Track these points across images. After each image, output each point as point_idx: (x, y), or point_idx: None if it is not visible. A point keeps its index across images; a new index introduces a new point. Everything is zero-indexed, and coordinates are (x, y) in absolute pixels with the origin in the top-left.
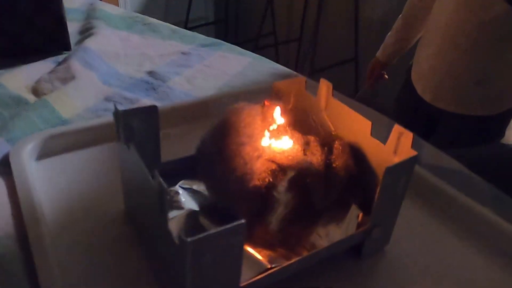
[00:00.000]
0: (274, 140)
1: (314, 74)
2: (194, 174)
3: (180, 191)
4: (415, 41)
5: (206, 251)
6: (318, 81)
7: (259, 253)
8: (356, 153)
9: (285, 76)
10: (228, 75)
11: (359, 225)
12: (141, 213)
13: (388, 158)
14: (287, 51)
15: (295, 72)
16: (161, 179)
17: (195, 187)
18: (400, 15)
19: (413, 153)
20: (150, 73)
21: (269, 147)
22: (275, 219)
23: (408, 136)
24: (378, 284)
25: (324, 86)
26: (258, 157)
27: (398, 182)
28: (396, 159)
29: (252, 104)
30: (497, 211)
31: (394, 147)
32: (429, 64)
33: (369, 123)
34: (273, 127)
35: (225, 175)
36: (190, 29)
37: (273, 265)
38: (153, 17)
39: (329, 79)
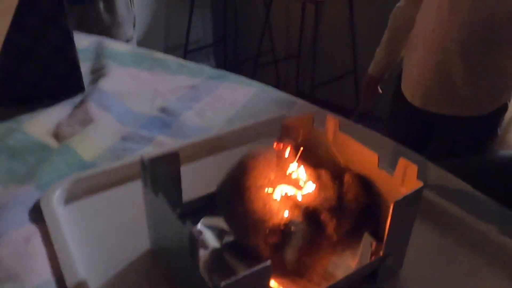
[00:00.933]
0: (289, 179)
1: (314, 89)
2: (214, 210)
3: (203, 229)
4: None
5: None
6: (319, 97)
7: (281, 285)
8: (365, 184)
9: (289, 103)
10: (236, 106)
11: (373, 252)
12: (170, 255)
13: (396, 188)
14: (286, 68)
15: (299, 100)
16: (192, 229)
17: (216, 224)
18: (386, 29)
19: (419, 184)
20: (163, 110)
21: (285, 185)
22: (293, 252)
23: (413, 168)
24: None
25: (331, 122)
26: (275, 196)
27: (407, 213)
28: (404, 190)
29: (265, 146)
30: (504, 229)
31: (401, 178)
32: (417, 70)
33: (376, 155)
34: (288, 167)
35: (245, 216)
36: (190, 51)
37: None
38: (154, 41)
39: (329, 92)
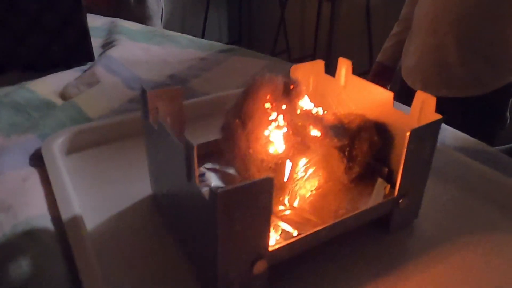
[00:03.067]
0: (297, 116)
1: None
2: (218, 158)
3: (206, 172)
4: None
5: (236, 205)
6: None
7: (287, 223)
8: (379, 127)
9: None
10: (246, 75)
11: (386, 196)
12: (169, 184)
13: (412, 127)
14: None
15: None
16: (187, 139)
17: (220, 168)
18: (396, 22)
19: (438, 116)
20: (171, 77)
21: (293, 122)
22: (302, 193)
23: (431, 101)
24: (407, 258)
25: (344, 65)
26: (282, 131)
27: (423, 147)
28: None
29: (275, 76)
30: None
31: (418, 114)
32: (416, 56)
33: (391, 94)
34: (297, 103)
35: (248, 148)
36: None
37: (301, 233)
38: None
39: None
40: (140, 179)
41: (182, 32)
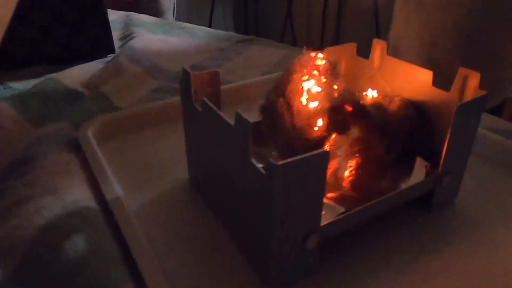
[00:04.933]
0: (338, 96)
1: None
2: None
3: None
4: None
5: (293, 179)
6: None
7: (332, 200)
8: (418, 106)
9: None
10: (267, 65)
11: (427, 173)
12: (215, 165)
13: (453, 105)
14: None
15: None
16: (242, 114)
17: (261, 151)
18: None
19: (482, 92)
20: (193, 67)
21: (334, 101)
22: (343, 171)
23: (475, 76)
24: (449, 236)
25: (378, 46)
26: (322, 109)
27: (468, 124)
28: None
29: (314, 56)
30: None
31: (460, 92)
32: None
33: (430, 72)
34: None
35: (290, 127)
36: None
37: (348, 210)
38: None
39: None
40: (175, 163)
41: None
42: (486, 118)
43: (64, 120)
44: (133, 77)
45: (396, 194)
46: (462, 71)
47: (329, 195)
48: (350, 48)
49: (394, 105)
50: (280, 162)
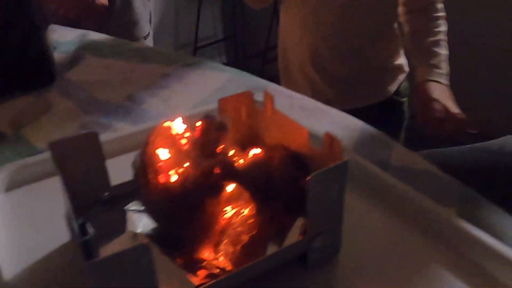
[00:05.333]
0: (205, 157)
1: None
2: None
3: (128, 213)
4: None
5: (112, 274)
6: None
7: (192, 272)
8: (298, 162)
9: (261, 88)
10: (205, 92)
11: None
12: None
13: (326, 165)
14: None
15: (272, 84)
16: (71, 208)
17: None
18: None
19: (342, 159)
20: (129, 98)
21: (197, 165)
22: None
23: (337, 143)
24: None
25: (267, 98)
26: (187, 175)
27: (330, 190)
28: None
29: (183, 120)
30: (466, 211)
31: (329, 154)
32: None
33: (306, 130)
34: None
35: (156, 199)
36: (200, 47)
37: (203, 282)
38: (164, 39)
39: None
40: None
41: (176, 29)
42: (400, 154)
43: None
44: (62, 113)
45: (261, 262)
46: (327, 136)
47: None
48: (247, 96)
49: (274, 160)
50: (92, 261)
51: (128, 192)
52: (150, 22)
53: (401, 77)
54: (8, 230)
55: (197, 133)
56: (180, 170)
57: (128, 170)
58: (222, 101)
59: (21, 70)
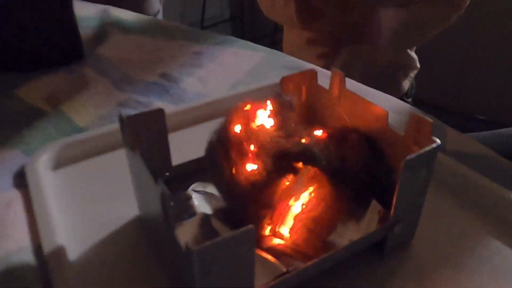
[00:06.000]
0: (284, 138)
1: None
2: (206, 175)
3: (193, 194)
4: None
5: (214, 260)
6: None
7: (275, 256)
8: (373, 146)
9: (298, 68)
10: (240, 72)
11: (380, 221)
12: (151, 219)
13: (409, 149)
14: None
15: (310, 64)
16: (164, 186)
17: (208, 189)
18: None
19: (434, 142)
20: (163, 76)
21: (277, 144)
22: (291, 218)
23: (427, 124)
24: (402, 282)
25: (336, 76)
26: (267, 155)
27: (418, 175)
28: (417, 149)
29: (256, 101)
30: None
31: (413, 136)
32: None
33: (386, 112)
34: (282, 122)
35: (232, 178)
36: (206, 27)
37: (290, 269)
38: (170, 18)
39: None
40: (127, 197)
41: (183, 7)
42: (455, 139)
43: (19, 145)
44: (98, 91)
45: (342, 250)
46: (414, 117)
47: (273, 248)
48: (310, 75)
49: (347, 145)
50: (196, 248)
51: (189, 172)
52: (161, 1)
53: (412, 74)
54: (65, 209)
55: (271, 114)
56: (260, 152)
57: (180, 149)
58: (285, 80)
59: (49, 44)
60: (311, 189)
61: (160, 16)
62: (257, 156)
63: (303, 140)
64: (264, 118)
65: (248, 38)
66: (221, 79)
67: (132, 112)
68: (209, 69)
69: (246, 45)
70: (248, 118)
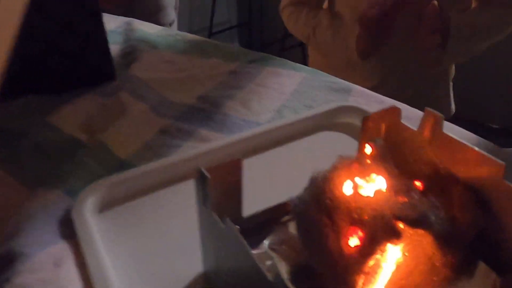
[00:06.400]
0: (392, 196)
1: None
2: (277, 226)
3: (270, 253)
4: None
5: None
6: None
7: None
8: (481, 200)
9: (343, 90)
10: (284, 94)
11: None
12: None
13: None
14: None
15: (354, 86)
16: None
17: (285, 245)
18: None
19: None
20: (202, 99)
21: (390, 210)
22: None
23: None
24: None
25: (430, 117)
26: (377, 222)
27: None
28: None
29: (349, 159)
30: None
31: None
32: None
33: (502, 164)
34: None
35: (336, 249)
36: (214, 33)
37: None
38: (178, 24)
39: None
40: (189, 248)
41: (191, 14)
42: None
43: (59, 185)
44: (136, 117)
45: None
46: None
47: None
48: (393, 113)
49: (452, 197)
50: None
51: (261, 223)
52: (176, 8)
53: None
54: (121, 264)
55: (373, 168)
56: (369, 219)
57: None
58: (367, 119)
59: (79, 63)
60: (409, 252)
61: (175, 25)
62: (365, 224)
63: (412, 200)
64: (365, 173)
65: (257, 44)
66: (264, 102)
67: (175, 141)
68: (249, 91)
69: (284, 63)
70: (350, 175)
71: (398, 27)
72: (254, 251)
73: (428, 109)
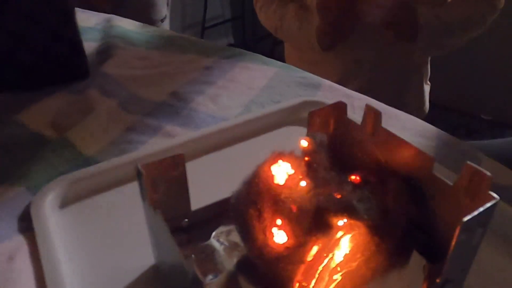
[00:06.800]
0: (320, 189)
1: None
2: (226, 219)
3: (216, 245)
4: None
5: None
6: None
7: None
8: (415, 192)
9: (313, 86)
10: (253, 89)
11: (425, 277)
12: (171, 276)
13: (457, 200)
14: None
15: (324, 81)
16: (196, 271)
17: (232, 237)
18: None
19: (492, 198)
20: (173, 95)
21: (315, 201)
22: (327, 275)
23: (485, 179)
24: None
25: (371, 113)
26: (302, 213)
27: (474, 234)
28: (467, 202)
29: (286, 153)
30: None
31: (465, 189)
32: None
33: (432, 158)
34: (318, 169)
35: (264, 239)
36: (207, 28)
37: None
38: (171, 18)
39: None
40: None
41: (184, 8)
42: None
43: (22, 182)
44: (105, 114)
45: None
46: (467, 168)
47: None
48: (340, 108)
49: (390, 193)
50: None
51: (209, 216)
52: (168, 4)
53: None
54: (75, 257)
55: (305, 161)
56: (295, 209)
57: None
58: (313, 114)
59: (50, 60)
60: (346, 242)
61: (167, 21)
62: (291, 214)
63: (341, 192)
64: (298, 166)
65: (250, 38)
66: (234, 97)
67: (142, 137)
68: (220, 86)
69: (257, 59)
70: (280, 168)
71: (362, 21)
72: (202, 243)
73: (369, 104)
